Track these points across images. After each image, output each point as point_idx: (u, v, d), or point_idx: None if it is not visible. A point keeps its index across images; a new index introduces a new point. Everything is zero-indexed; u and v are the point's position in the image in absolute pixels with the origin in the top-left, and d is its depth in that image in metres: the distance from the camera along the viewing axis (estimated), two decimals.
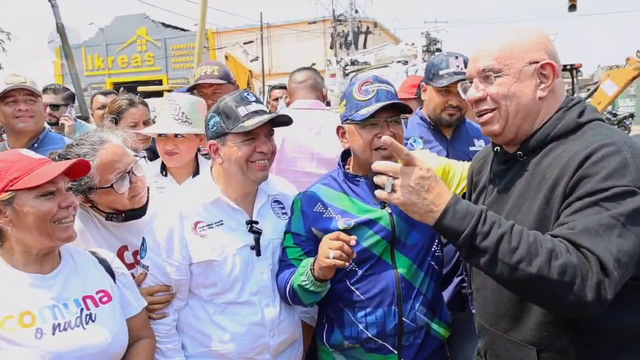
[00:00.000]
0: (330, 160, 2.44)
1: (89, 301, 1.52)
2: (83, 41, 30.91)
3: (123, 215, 1.87)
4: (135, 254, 1.92)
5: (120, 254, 1.88)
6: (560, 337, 1.30)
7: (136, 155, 1.90)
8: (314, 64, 15.23)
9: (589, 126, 1.37)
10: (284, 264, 1.88)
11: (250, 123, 1.71)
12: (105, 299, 1.56)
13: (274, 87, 5.25)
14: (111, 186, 1.77)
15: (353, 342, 1.84)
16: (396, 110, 1.79)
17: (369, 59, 14.35)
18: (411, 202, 1.29)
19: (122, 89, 13.34)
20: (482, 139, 2.55)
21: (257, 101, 1.79)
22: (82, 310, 1.50)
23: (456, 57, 2.46)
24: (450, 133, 2.56)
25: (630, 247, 1.16)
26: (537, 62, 1.38)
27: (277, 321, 1.85)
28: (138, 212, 1.90)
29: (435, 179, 1.30)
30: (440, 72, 2.43)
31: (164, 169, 2.40)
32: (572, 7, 15.44)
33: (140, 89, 13.59)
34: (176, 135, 2.28)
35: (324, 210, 1.84)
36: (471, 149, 2.50)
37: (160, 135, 2.31)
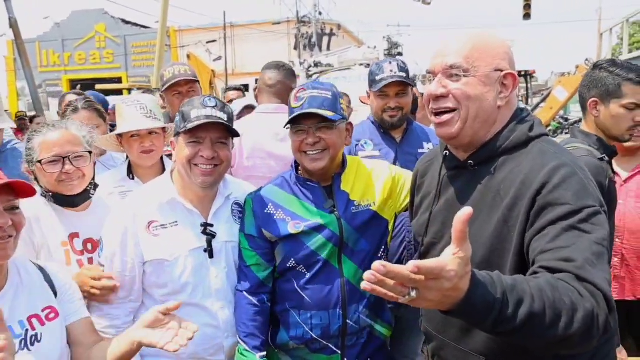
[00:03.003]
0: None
1: (34, 321, 1.47)
2: (37, 36, 29.78)
3: (52, 196, 1.92)
4: (86, 242, 1.95)
5: (70, 240, 1.93)
6: (511, 347, 1.27)
7: (89, 152, 1.95)
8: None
9: (538, 141, 1.37)
10: (245, 270, 1.88)
11: (193, 124, 1.73)
12: (52, 315, 1.52)
13: (228, 89, 5.19)
14: (40, 162, 1.86)
15: (298, 342, 1.88)
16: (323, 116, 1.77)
17: (332, 61, 14.43)
18: (428, 306, 1.04)
19: (79, 86, 12.93)
20: (431, 142, 2.65)
21: (216, 107, 1.78)
22: (27, 331, 1.44)
23: (390, 62, 2.60)
24: (399, 136, 2.65)
25: (609, 270, 1.18)
26: (502, 71, 1.38)
27: (232, 323, 1.86)
28: (70, 200, 1.93)
29: (458, 283, 0.99)
30: (377, 78, 2.57)
31: (130, 172, 2.36)
32: (527, 16, 16.06)
33: (98, 86, 13.18)
34: (150, 133, 2.27)
35: (275, 212, 1.87)
36: (420, 151, 2.58)
37: (132, 135, 2.27)
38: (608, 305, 1.10)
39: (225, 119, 1.78)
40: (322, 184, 1.89)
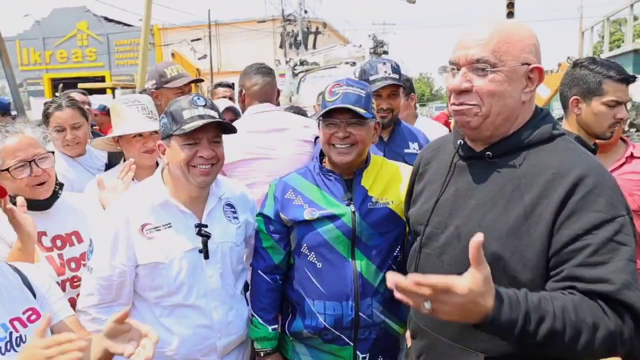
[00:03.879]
0: (291, 159, 2.47)
1: (16, 323, 1.46)
2: (17, 34, 29.24)
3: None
4: (54, 239, 1.96)
5: (38, 239, 1.92)
6: (514, 346, 1.25)
7: (50, 152, 1.95)
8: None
9: (560, 139, 1.35)
10: (261, 251, 1.99)
11: (190, 125, 1.71)
12: (33, 317, 1.50)
13: (218, 85, 5.07)
14: (7, 170, 1.85)
15: (311, 331, 1.92)
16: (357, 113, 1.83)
17: (317, 59, 14.40)
18: (450, 318, 1.11)
19: (60, 85, 12.71)
20: (417, 141, 2.68)
21: (206, 106, 1.77)
22: (10, 334, 1.43)
23: (384, 63, 2.61)
24: (387, 135, 2.66)
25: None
26: (529, 65, 1.31)
27: (225, 323, 1.86)
28: (43, 204, 1.93)
29: (477, 299, 1.07)
30: (370, 78, 2.56)
31: None
32: (510, 14, 16.24)
33: (81, 85, 12.97)
34: (151, 133, 2.28)
35: (294, 198, 1.94)
36: (406, 151, 2.62)
37: (135, 136, 2.27)
38: (637, 321, 1.14)
39: (217, 117, 1.77)
40: (343, 177, 1.94)
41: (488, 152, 1.36)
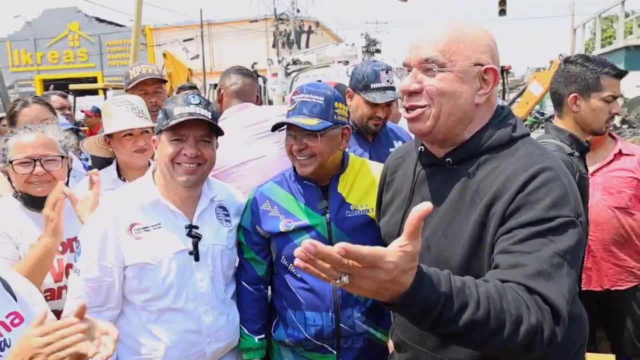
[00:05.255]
0: (278, 158, 2.43)
1: (0, 327, 1.43)
2: (8, 35, 29.04)
3: (21, 196, 1.96)
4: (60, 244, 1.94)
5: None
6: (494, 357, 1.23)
7: (63, 157, 1.97)
8: (255, 64, 15.06)
9: (521, 142, 1.31)
10: (243, 262, 1.97)
11: (175, 121, 1.70)
12: (17, 320, 1.47)
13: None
14: (11, 162, 1.91)
15: (293, 340, 1.90)
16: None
17: (310, 58, 14.39)
18: (363, 294, 0.99)
19: (52, 86, 12.61)
20: (401, 139, 2.66)
21: (200, 104, 1.74)
22: None
23: (387, 72, 2.52)
24: (371, 136, 2.63)
25: (572, 282, 1.14)
26: (482, 65, 1.28)
27: (215, 328, 1.82)
28: (39, 202, 1.92)
29: (399, 276, 0.94)
30: (372, 86, 2.49)
31: (120, 174, 2.33)
32: (502, 12, 16.31)
33: (72, 86, 12.89)
34: (142, 132, 2.25)
35: (271, 209, 1.90)
36: (391, 150, 2.55)
37: (125, 135, 2.25)
38: (557, 319, 1.08)
39: (210, 117, 1.74)
40: (319, 183, 1.89)
41: (448, 159, 1.33)
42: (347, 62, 12.64)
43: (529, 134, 1.36)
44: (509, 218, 1.19)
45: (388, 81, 2.50)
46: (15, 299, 1.53)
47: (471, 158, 1.31)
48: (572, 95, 2.11)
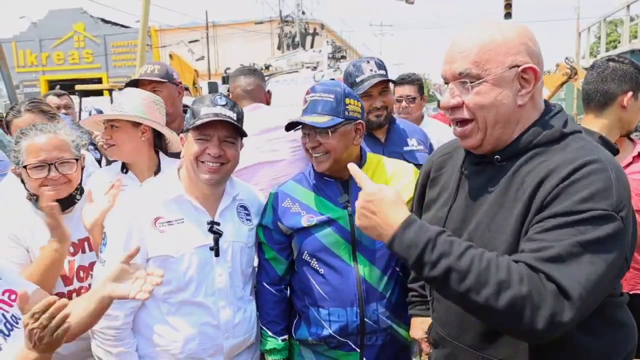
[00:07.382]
0: (290, 161, 2.46)
1: (1, 304, 1.47)
2: (13, 35, 29.15)
3: (36, 200, 1.92)
4: (71, 245, 1.94)
5: None
6: (536, 353, 1.24)
7: (76, 158, 1.93)
8: (254, 64, 15.29)
9: (572, 137, 1.29)
10: (264, 263, 1.99)
11: (201, 121, 1.75)
12: (13, 296, 1.50)
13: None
14: (25, 167, 1.86)
15: (316, 339, 1.90)
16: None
17: (281, 63, 14.84)
18: (364, 226, 1.31)
19: (57, 87, 12.67)
20: (415, 137, 2.63)
21: (226, 106, 1.79)
22: (3, 314, 1.45)
23: (367, 62, 2.53)
24: (383, 136, 2.60)
25: (600, 274, 1.10)
26: (518, 66, 1.26)
27: (232, 324, 1.85)
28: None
29: (380, 201, 1.27)
30: (358, 80, 2.50)
31: (124, 166, 2.33)
32: (508, 15, 16.28)
33: (77, 87, 12.93)
34: (112, 127, 2.22)
35: (292, 206, 1.93)
36: (405, 149, 2.57)
37: (106, 127, 2.25)
38: (566, 299, 1.06)
39: (235, 118, 1.80)
40: (340, 179, 1.91)
41: (497, 156, 1.33)
42: (315, 68, 13.04)
43: (580, 131, 1.33)
44: (546, 207, 1.18)
45: (371, 70, 2.51)
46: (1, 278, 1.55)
47: (520, 154, 1.30)
48: (628, 93, 2.12)
